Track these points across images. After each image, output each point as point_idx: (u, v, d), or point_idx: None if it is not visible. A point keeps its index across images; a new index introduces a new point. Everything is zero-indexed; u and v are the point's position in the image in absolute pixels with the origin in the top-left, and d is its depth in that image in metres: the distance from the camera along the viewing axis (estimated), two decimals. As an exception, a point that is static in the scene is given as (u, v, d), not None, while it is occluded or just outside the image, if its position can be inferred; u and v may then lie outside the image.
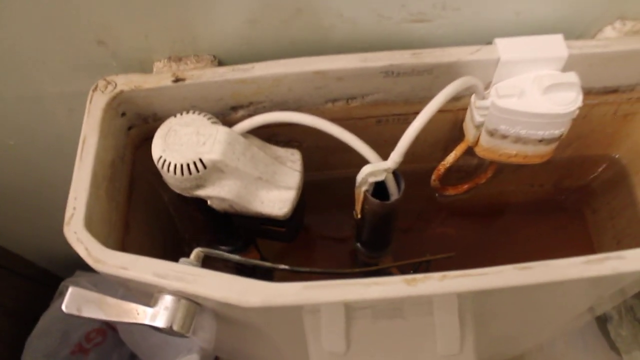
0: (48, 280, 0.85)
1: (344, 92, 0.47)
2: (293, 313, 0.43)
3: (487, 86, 0.47)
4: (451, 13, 0.45)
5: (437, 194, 0.57)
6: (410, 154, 0.56)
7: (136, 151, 0.48)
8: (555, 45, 0.45)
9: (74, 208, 0.39)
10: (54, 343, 0.76)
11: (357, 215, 0.48)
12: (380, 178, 0.43)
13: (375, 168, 0.43)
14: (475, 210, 0.64)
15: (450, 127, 0.52)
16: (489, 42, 0.45)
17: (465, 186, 0.57)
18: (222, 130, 0.42)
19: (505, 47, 0.45)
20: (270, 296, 0.35)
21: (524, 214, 0.64)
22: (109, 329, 0.82)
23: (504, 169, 0.60)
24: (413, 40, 0.47)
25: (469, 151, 0.51)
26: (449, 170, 0.54)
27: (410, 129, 0.41)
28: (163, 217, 0.53)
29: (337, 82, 0.46)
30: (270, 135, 0.50)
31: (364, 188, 0.45)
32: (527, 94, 0.45)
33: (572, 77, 0.44)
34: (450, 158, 0.51)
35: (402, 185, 0.45)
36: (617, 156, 0.59)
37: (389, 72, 0.45)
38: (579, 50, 0.45)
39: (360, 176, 0.43)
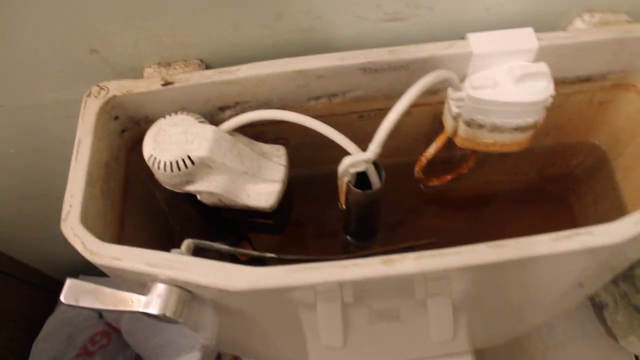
0: (52, 287, 0.88)
1: (325, 90, 0.49)
2: (285, 303, 0.45)
3: (463, 79, 0.49)
4: (424, 11, 0.48)
5: (421, 185, 0.59)
6: (394, 148, 0.58)
7: (130, 153, 0.51)
8: (526, 38, 0.48)
9: (70, 205, 0.41)
10: (60, 346, 0.79)
11: (341, 206, 0.51)
12: (360, 168, 0.46)
13: (356, 159, 0.45)
14: (462, 201, 0.66)
15: (430, 120, 0.54)
16: (462, 38, 0.48)
17: (449, 177, 0.59)
18: (209, 129, 0.45)
19: (477, 42, 0.47)
20: (256, 280, 0.38)
21: (511, 203, 0.66)
22: (113, 332, 0.85)
23: (488, 160, 0.63)
24: (390, 39, 0.50)
25: (451, 143, 0.54)
26: (433, 161, 0.56)
27: (386, 121, 0.44)
28: (158, 215, 0.56)
29: (319, 80, 0.48)
30: (258, 133, 0.52)
31: (346, 179, 0.47)
32: (500, 84, 0.47)
33: (542, 67, 0.47)
34: (432, 149, 0.54)
35: (383, 175, 0.48)
36: (596, 143, 0.61)
37: (367, 69, 0.48)
38: (549, 42, 0.48)
39: (341, 167, 0.46)
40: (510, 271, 0.44)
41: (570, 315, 1.08)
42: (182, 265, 0.39)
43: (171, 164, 0.44)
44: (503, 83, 0.47)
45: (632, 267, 0.91)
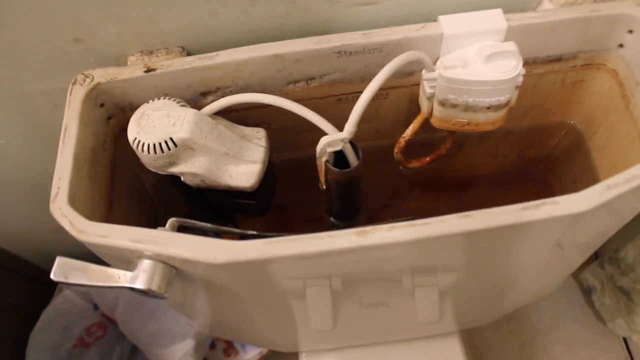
0: (48, 279, 0.90)
1: (303, 74, 0.52)
2: (274, 287, 0.47)
3: (436, 61, 0.51)
4: (396, -6, 0.50)
5: (401, 167, 0.62)
6: (375, 131, 0.61)
7: (117, 139, 0.53)
8: (495, 19, 0.50)
9: (58, 187, 0.43)
10: (57, 337, 0.81)
11: (322, 186, 0.53)
12: (337, 147, 0.48)
13: (332, 138, 0.47)
14: (445, 184, 0.68)
15: (407, 102, 0.57)
16: (434, 20, 0.50)
17: (428, 158, 0.61)
18: (190, 112, 0.47)
19: (448, 23, 0.49)
20: (236, 252, 0.40)
21: (492, 185, 0.68)
22: (109, 323, 0.87)
23: (467, 142, 0.65)
24: (364, 22, 0.52)
25: (429, 125, 0.56)
26: (413, 144, 0.58)
27: (359, 101, 0.46)
28: (145, 199, 0.58)
29: (296, 64, 0.50)
30: (241, 118, 0.54)
31: (324, 159, 0.49)
32: (470, 64, 0.49)
33: (511, 46, 0.49)
34: (409, 131, 0.56)
35: (360, 154, 0.50)
36: (572, 122, 0.63)
37: (341, 52, 0.50)
38: (517, 22, 0.50)
39: (319, 147, 0.48)
40: (484, 242, 0.46)
41: (558, 300, 1.11)
42: (165, 241, 0.41)
43: (154, 146, 0.46)
44: (473, 62, 0.49)
45: (617, 250, 0.93)
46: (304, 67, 0.51)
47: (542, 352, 1.07)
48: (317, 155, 0.49)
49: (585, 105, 0.60)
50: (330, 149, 0.48)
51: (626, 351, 1.06)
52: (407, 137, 0.56)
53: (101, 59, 0.52)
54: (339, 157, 0.51)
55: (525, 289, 0.65)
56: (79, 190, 0.45)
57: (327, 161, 0.50)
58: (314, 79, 0.52)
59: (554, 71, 0.56)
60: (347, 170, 0.49)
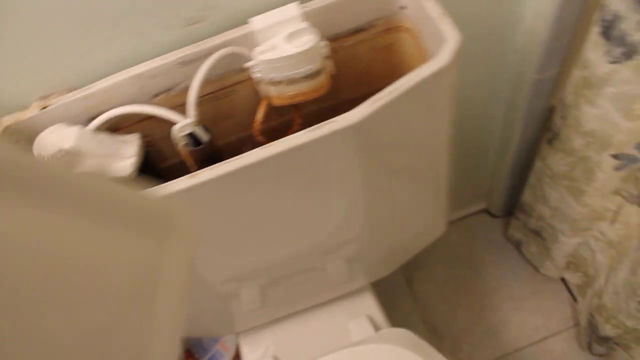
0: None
1: (160, 86, 0.70)
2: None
3: (257, 52, 0.69)
4: (214, 11, 0.69)
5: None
6: (237, 125, 0.78)
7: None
8: (291, 10, 0.68)
9: None
10: None
11: (191, 169, 0.70)
12: (188, 131, 0.65)
13: (181, 125, 0.65)
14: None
15: (253, 93, 0.74)
16: (246, 22, 0.68)
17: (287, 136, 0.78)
18: (74, 129, 0.65)
19: (256, 22, 0.68)
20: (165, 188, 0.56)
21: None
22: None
23: (319, 116, 0.81)
24: (199, 37, 0.70)
25: (277, 108, 0.72)
26: (275, 129, 0.75)
27: (190, 89, 0.64)
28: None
29: (153, 80, 0.69)
30: (125, 134, 0.72)
31: (182, 143, 0.66)
32: (278, 46, 0.67)
33: (303, 24, 0.66)
34: (259, 115, 0.73)
35: (210, 133, 0.67)
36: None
37: (184, 62, 0.68)
38: (311, 7, 0.68)
39: (173, 135, 0.65)
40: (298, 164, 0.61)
41: (497, 262, 1.22)
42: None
43: (52, 156, 0.64)
44: (279, 44, 0.67)
45: (522, 199, 1.06)
46: (160, 81, 0.69)
47: (492, 313, 1.18)
48: (176, 142, 0.66)
49: (403, 64, 0.77)
50: (182, 133, 0.65)
51: (567, 292, 1.16)
52: (259, 120, 0.73)
53: (9, 109, 0.71)
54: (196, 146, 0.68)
55: (398, 222, 0.79)
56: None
57: (184, 145, 0.67)
58: (172, 89, 0.71)
59: (361, 41, 0.73)
60: (201, 146, 0.66)
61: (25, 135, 0.69)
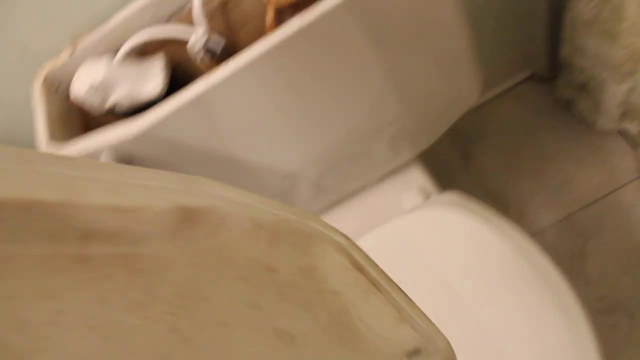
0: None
1: (171, 9, 0.75)
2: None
3: None
4: None
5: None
6: (257, 31, 0.82)
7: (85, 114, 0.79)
8: None
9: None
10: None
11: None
12: (202, 41, 0.71)
13: (194, 38, 0.70)
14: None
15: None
16: None
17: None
18: (101, 63, 0.72)
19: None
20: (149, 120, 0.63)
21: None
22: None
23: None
24: None
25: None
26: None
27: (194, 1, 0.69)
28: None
29: (163, 3, 0.74)
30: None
31: (201, 56, 0.72)
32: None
33: None
34: (269, 16, 0.77)
35: (225, 40, 0.72)
36: None
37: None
38: None
39: (189, 49, 0.71)
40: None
41: (552, 125, 1.22)
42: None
43: (86, 92, 0.71)
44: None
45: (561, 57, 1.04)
46: (169, 3, 0.75)
47: (554, 175, 1.19)
48: (195, 56, 0.72)
49: None
50: (199, 45, 0.71)
51: (626, 144, 1.15)
52: (271, 22, 0.77)
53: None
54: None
55: (426, 92, 0.82)
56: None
57: (203, 57, 0.72)
58: (183, 8, 0.76)
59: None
60: (219, 54, 0.72)
61: (64, 81, 0.77)
